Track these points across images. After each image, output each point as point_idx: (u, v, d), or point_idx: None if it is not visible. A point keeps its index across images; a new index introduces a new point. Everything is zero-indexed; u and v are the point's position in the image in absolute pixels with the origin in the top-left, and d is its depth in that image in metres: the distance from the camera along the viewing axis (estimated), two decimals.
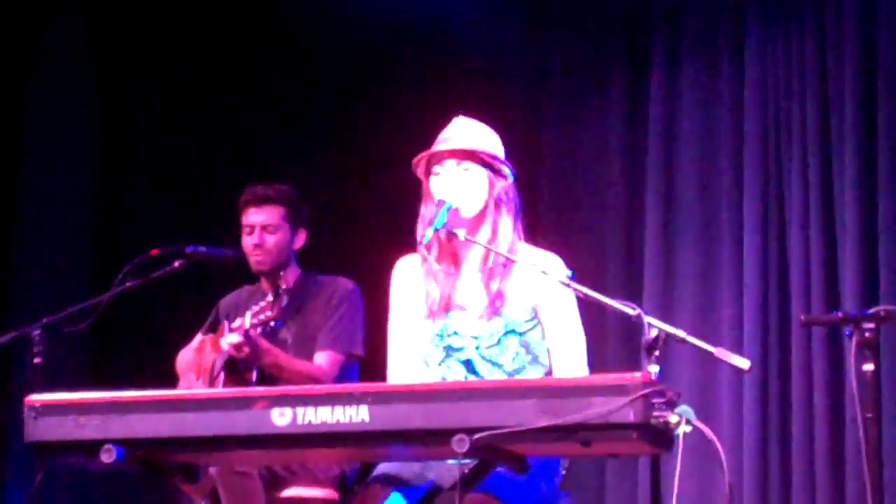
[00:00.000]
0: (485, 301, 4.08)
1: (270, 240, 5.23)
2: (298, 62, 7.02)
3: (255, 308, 4.95)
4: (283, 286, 5.02)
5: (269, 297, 4.97)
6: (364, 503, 3.88)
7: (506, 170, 4.14)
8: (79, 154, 7.09)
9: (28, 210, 6.87)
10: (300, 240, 5.30)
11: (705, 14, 6.29)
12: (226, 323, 5.22)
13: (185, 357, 5.34)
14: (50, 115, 6.94)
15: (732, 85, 6.19)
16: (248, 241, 5.26)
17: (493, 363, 4.06)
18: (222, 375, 5.02)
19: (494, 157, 4.13)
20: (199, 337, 5.35)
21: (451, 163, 4.10)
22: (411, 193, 4.24)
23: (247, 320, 4.95)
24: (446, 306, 4.09)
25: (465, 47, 6.67)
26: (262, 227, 5.24)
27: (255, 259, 5.25)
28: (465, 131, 4.15)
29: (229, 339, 4.95)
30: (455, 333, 4.08)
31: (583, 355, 4.13)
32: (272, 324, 4.97)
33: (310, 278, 5.29)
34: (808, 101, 5.97)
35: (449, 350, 4.09)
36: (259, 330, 4.97)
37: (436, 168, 4.12)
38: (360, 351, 5.16)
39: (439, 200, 4.04)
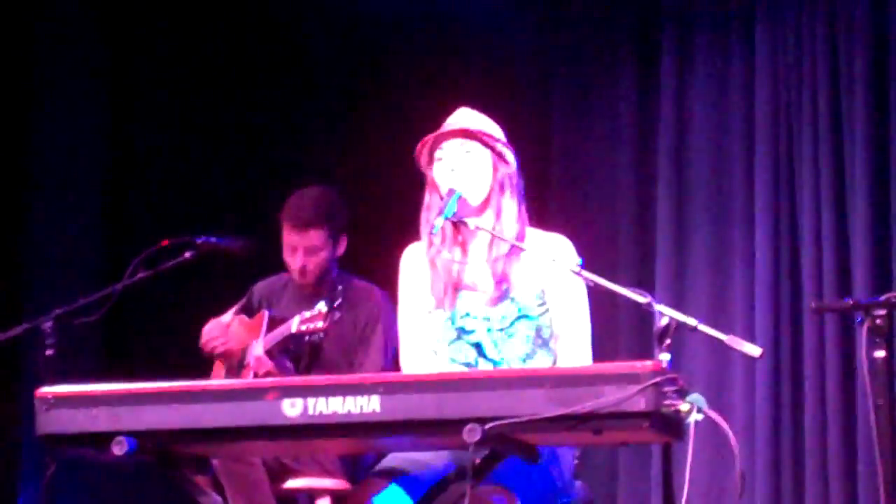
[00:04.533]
0: (493, 285, 4.07)
1: (314, 262, 5.16)
2: (306, 50, 7.01)
3: (307, 315, 4.83)
4: (338, 300, 4.83)
5: (323, 308, 4.82)
6: (360, 496, 3.86)
7: (509, 156, 4.12)
8: (90, 146, 7.09)
9: (38, 202, 6.86)
10: (342, 247, 5.23)
11: (716, 0, 6.28)
12: (265, 313, 5.17)
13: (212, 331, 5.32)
14: (59, 107, 6.93)
15: (743, 71, 6.17)
16: (290, 260, 5.20)
17: (504, 348, 4.05)
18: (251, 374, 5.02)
19: (497, 140, 4.11)
20: (230, 312, 5.31)
21: (453, 145, 4.08)
22: (419, 186, 4.21)
23: (294, 324, 4.86)
24: (456, 289, 4.07)
25: (475, 37, 6.65)
26: (305, 250, 5.17)
27: (298, 278, 5.20)
28: (467, 117, 4.15)
29: (256, 352, 4.91)
30: (468, 315, 4.07)
31: (587, 344, 4.10)
32: (320, 335, 4.88)
33: (345, 279, 5.21)
34: (820, 85, 5.95)
35: (461, 332, 4.07)
36: (307, 337, 4.90)
37: (438, 154, 4.09)
38: (392, 364, 5.10)
39: (449, 189, 4.03)
